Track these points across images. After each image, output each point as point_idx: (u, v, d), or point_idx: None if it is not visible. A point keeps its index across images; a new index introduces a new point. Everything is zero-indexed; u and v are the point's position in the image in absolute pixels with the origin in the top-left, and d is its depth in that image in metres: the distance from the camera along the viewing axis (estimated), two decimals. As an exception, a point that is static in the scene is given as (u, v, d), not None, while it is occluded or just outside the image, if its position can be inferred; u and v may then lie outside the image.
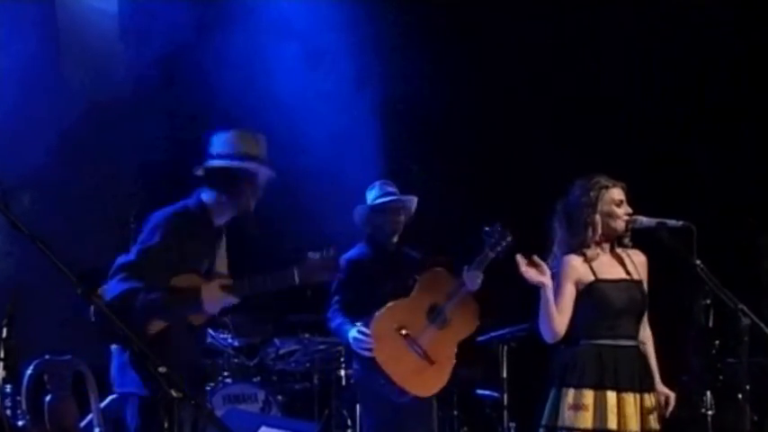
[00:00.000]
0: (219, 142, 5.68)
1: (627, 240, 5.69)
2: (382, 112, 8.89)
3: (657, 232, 5.58)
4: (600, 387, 5.44)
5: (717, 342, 6.43)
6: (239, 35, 8.71)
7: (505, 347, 7.25)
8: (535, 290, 5.58)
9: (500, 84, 9.05)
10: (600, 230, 5.56)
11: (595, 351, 5.50)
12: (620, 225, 5.56)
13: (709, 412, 5.90)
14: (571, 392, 5.45)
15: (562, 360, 5.59)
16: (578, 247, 5.56)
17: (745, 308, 5.45)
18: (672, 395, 5.67)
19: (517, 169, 9.00)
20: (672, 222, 5.57)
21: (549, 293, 5.49)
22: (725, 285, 5.43)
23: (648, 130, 8.91)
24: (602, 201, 5.56)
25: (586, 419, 5.41)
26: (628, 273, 5.63)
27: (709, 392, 5.92)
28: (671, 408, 5.65)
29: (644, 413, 5.48)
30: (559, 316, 5.53)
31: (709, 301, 5.65)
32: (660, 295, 5.83)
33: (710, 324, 5.79)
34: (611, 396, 5.43)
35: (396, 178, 7.06)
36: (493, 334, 7.32)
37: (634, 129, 8.97)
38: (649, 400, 5.52)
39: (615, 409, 5.40)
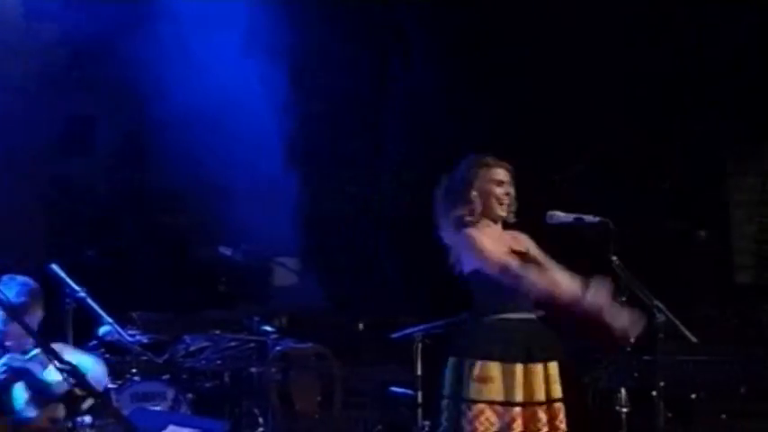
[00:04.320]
0: None
1: (510, 218, 5.65)
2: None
3: (575, 227, 5.58)
4: (506, 360, 5.43)
5: (632, 339, 6.13)
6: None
7: (420, 344, 7.10)
8: (451, 285, 5.55)
9: (417, 56, 9.03)
10: (478, 208, 5.52)
11: (500, 325, 5.48)
12: (496, 205, 5.53)
13: (624, 410, 5.88)
14: (477, 364, 5.43)
15: (468, 332, 5.57)
16: (457, 220, 5.51)
17: (660, 304, 5.47)
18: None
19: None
20: (589, 218, 5.58)
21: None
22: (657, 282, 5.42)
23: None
24: (482, 178, 5.54)
25: (492, 392, 5.41)
26: (512, 247, 5.58)
27: (623, 390, 5.90)
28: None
29: (549, 382, 5.50)
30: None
31: (625, 298, 5.61)
32: None
33: None
34: (519, 369, 5.44)
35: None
36: (407, 330, 7.18)
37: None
38: (553, 368, 5.53)
39: (522, 381, 5.42)
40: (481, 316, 5.53)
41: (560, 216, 5.63)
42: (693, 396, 7.44)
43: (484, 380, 5.40)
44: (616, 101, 8.75)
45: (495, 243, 5.52)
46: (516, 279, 5.39)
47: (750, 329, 8.12)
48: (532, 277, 5.38)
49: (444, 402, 5.55)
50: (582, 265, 5.68)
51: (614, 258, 5.52)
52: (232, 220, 7.99)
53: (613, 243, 5.53)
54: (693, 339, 5.64)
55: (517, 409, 5.42)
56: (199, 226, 8.50)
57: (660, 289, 5.61)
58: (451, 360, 5.53)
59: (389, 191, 8.98)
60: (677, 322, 5.54)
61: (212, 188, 8.43)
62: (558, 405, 5.56)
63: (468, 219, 5.53)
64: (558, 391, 5.55)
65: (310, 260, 9.08)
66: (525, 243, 5.67)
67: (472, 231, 5.49)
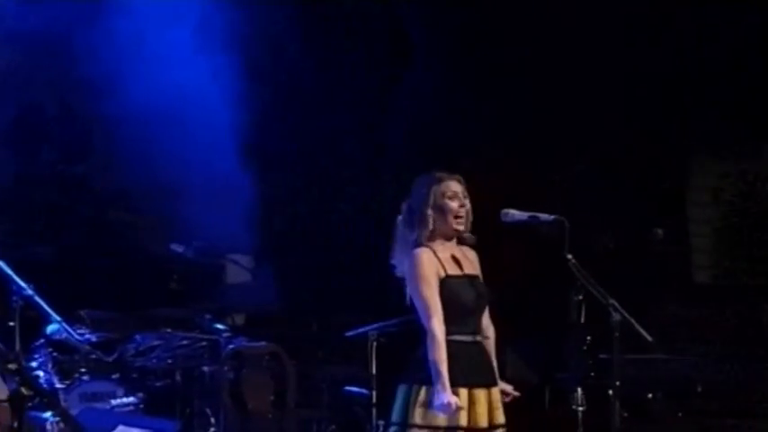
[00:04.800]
0: None
1: (468, 236, 5.63)
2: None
3: (531, 226, 5.56)
4: (452, 384, 5.37)
5: (589, 338, 6.41)
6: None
7: (375, 343, 7.08)
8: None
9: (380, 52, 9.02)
10: (432, 225, 5.49)
11: (448, 348, 5.42)
12: (451, 220, 5.50)
13: (580, 408, 5.87)
14: (423, 390, 5.40)
15: (413, 358, 5.52)
16: (418, 243, 5.49)
17: (615, 303, 5.43)
18: (509, 388, 5.67)
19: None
20: (544, 216, 5.55)
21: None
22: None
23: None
24: (435, 195, 5.50)
25: (438, 417, 5.36)
26: (463, 268, 5.59)
27: (579, 389, 5.89)
28: (516, 396, 5.66)
29: (492, 408, 5.49)
30: (440, 322, 5.44)
31: (581, 297, 5.61)
32: (535, 291, 5.74)
33: (582, 320, 5.73)
34: (463, 393, 5.40)
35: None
36: (362, 328, 7.16)
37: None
38: (495, 394, 5.53)
39: (467, 406, 5.39)
40: (425, 341, 5.48)
41: (515, 214, 5.61)
42: (650, 395, 7.45)
43: (429, 405, 5.37)
44: (608, 101, 8.76)
45: (443, 269, 5.49)
46: (431, 343, 5.37)
47: (707, 328, 8.14)
48: (434, 354, 5.36)
49: (391, 430, 5.53)
50: (537, 264, 5.69)
51: (569, 257, 5.47)
52: (184, 217, 7.94)
53: (568, 241, 5.49)
54: (649, 338, 5.57)
55: None
56: (150, 223, 8.44)
57: (616, 288, 5.57)
58: (400, 386, 5.51)
59: (341, 187, 8.97)
60: (633, 321, 5.49)
61: (164, 184, 8.34)
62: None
63: (423, 239, 5.50)
64: (500, 418, 5.54)
65: (264, 258, 9.03)
66: (476, 265, 5.67)
67: (422, 258, 5.45)
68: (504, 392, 5.64)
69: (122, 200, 8.78)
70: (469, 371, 5.44)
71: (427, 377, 5.38)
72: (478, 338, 5.54)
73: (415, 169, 5.79)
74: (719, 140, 8.90)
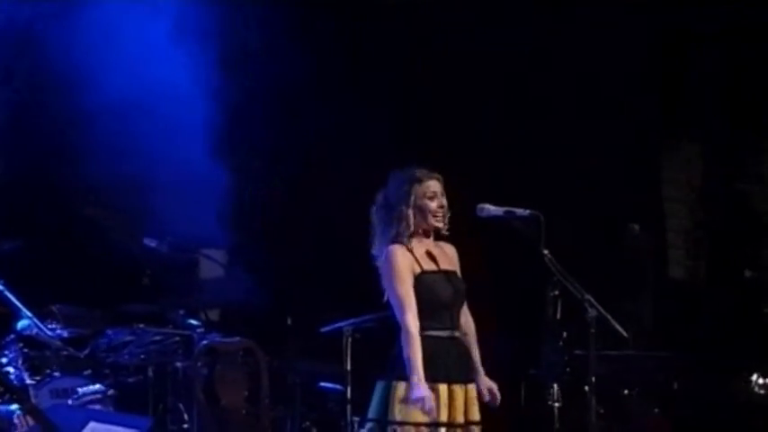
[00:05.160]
0: None
1: (444, 231, 5.71)
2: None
3: (506, 221, 5.58)
4: (432, 380, 5.42)
5: (565, 334, 6.36)
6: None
7: (350, 338, 7.07)
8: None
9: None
10: (412, 225, 5.55)
11: (425, 343, 5.46)
12: (431, 219, 5.57)
13: (556, 404, 5.89)
14: (402, 385, 5.43)
15: (391, 353, 5.56)
16: (396, 240, 5.55)
17: (591, 298, 5.44)
18: (494, 386, 5.72)
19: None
20: (520, 211, 5.57)
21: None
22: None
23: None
24: (415, 195, 5.55)
25: (418, 413, 5.39)
26: (439, 264, 5.65)
27: (555, 385, 5.92)
28: (497, 399, 5.71)
29: (468, 404, 5.54)
30: (414, 318, 5.46)
31: (557, 292, 5.65)
32: (511, 286, 5.93)
33: (558, 315, 5.80)
34: (443, 389, 5.45)
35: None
36: (337, 324, 7.15)
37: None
38: (472, 391, 5.58)
39: (447, 402, 5.43)
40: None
41: (490, 209, 5.62)
42: (626, 392, 7.46)
43: (409, 400, 5.39)
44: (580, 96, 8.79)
45: (418, 265, 5.52)
46: (405, 338, 5.40)
47: (682, 325, 8.20)
48: (408, 350, 5.39)
49: (368, 426, 5.55)
50: (513, 259, 5.68)
51: (545, 252, 5.49)
52: (157, 212, 7.85)
53: (544, 236, 5.51)
54: (625, 334, 5.62)
55: (442, 430, 5.43)
56: (122, 217, 8.32)
57: (592, 283, 5.59)
58: (378, 383, 5.55)
59: (316, 182, 8.94)
60: (609, 317, 5.51)
61: (137, 179, 8.25)
62: (476, 429, 5.58)
63: (401, 236, 5.54)
64: (476, 414, 5.59)
65: (238, 253, 8.97)
66: (454, 260, 5.71)
67: (396, 255, 5.48)
68: (489, 390, 5.66)
69: (93, 194, 8.66)
70: (448, 367, 5.47)
71: (405, 373, 5.39)
72: (456, 334, 5.58)
73: (392, 163, 5.77)
74: (696, 133, 8.98)
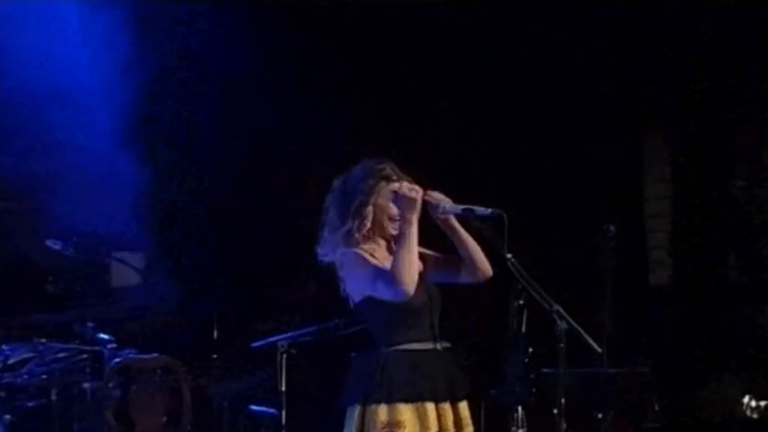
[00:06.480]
0: None
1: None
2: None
3: (466, 220, 5.17)
4: (418, 399, 5.05)
5: (530, 349, 6.22)
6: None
7: (285, 355, 6.85)
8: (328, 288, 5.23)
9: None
10: (368, 224, 5.20)
11: (403, 358, 5.09)
12: (389, 226, 5.19)
13: (520, 431, 5.86)
14: (383, 409, 5.02)
15: (362, 371, 5.14)
16: (347, 235, 5.17)
17: (561, 309, 5.14)
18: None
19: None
20: (480, 209, 5.19)
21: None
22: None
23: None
24: (380, 193, 5.20)
25: None
26: None
27: (520, 407, 5.88)
28: None
29: (460, 425, 5.17)
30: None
31: (522, 302, 5.67)
32: (469, 294, 5.56)
33: (523, 328, 5.76)
34: (431, 408, 5.06)
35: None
36: (270, 338, 6.97)
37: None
38: (464, 410, 5.20)
39: (436, 423, 5.07)
40: (380, 349, 5.13)
41: (446, 207, 5.23)
42: (599, 415, 7.17)
43: (394, 425, 4.98)
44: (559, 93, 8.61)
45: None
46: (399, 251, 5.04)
47: (666, 336, 8.01)
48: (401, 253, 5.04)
49: None
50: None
51: (509, 256, 5.11)
52: (62, 210, 7.56)
53: (507, 238, 5.12)
54: (599, 349, 5.25)
55: None
56: (23, 215, 8.02)
57: (562, 291, 5.24)
58: (350, 410, 5.08)
59: (244, 178, 8.78)
60: (581, 330, 5.14)
61: (40, 173, 8.01)
62: None
63: (358, 236, 5.17)
64: None
65: (156, 257, 8.73)
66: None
67: (360, 252, 5.12)
68: None
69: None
70: (434, 383, 5.09)
71: (385, 393, 5.01)
72: (440, 346, 5.17)
73: (341, 164, 5.41)
74: (676, 129, 8.87)
